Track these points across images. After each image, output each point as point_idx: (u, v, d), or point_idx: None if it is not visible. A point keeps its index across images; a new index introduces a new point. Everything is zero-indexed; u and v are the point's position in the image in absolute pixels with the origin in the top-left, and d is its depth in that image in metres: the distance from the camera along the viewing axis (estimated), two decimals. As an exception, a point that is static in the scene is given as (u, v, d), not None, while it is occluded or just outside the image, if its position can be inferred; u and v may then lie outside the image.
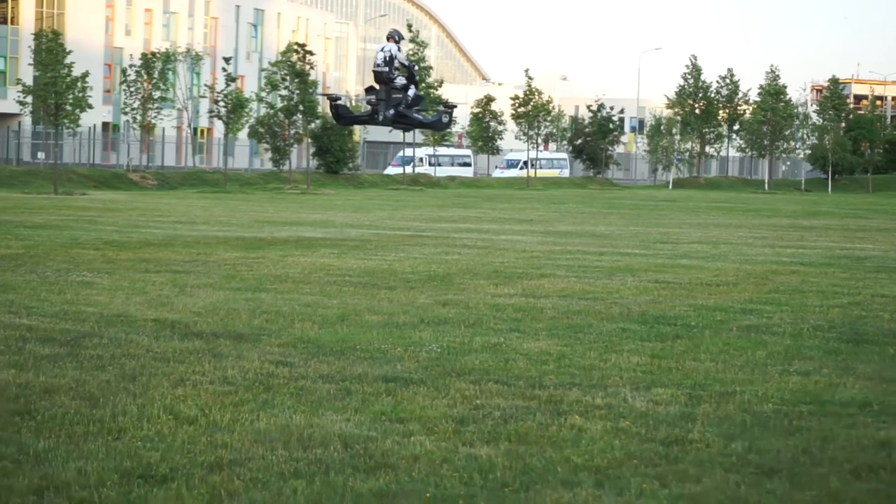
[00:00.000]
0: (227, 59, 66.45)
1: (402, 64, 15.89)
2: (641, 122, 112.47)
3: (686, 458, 7.82)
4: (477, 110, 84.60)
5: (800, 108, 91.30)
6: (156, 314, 13.57)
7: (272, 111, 67.57)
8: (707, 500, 6.98)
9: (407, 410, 8.92)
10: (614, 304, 15.45)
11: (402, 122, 16.35)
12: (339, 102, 16.97)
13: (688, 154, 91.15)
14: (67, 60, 54.75)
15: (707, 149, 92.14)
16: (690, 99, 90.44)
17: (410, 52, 68.14)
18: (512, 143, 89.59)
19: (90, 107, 55.75)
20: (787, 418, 9.00)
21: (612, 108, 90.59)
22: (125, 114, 67.72)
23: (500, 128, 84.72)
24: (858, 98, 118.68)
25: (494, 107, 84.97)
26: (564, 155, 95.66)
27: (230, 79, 64.48)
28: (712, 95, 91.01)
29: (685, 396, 9.69)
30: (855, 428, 8.75)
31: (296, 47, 67.11)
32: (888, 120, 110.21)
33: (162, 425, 8.29)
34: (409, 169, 76.47)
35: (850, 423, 8.89)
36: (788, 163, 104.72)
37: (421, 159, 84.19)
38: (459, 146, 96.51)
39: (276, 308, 14.33)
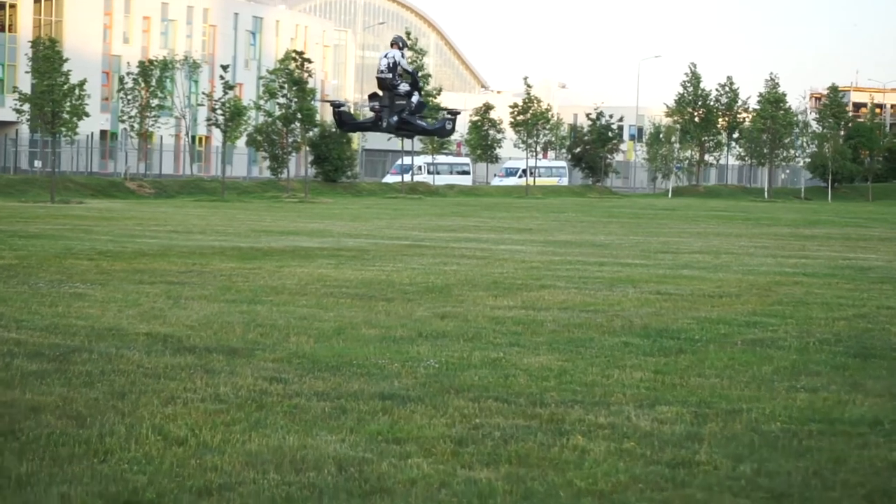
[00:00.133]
0: (224, 67, 66.24)
1: (405, 70, 15.72)
2: (640, 131, 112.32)
3: (693, 481, 7.54)
4: (476, 118, 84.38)
5: (799, 116, 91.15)
6: (148, 328, 13.29)
7: (270, 119, 67.35)
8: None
9: (404, 430, 8.63)
10: (616, 316, 15.18)
11: (406, 128, 16.20)
12: (342, 109, 16.78)
13: (687, 162, 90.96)
14: (64, 68, 54.53)
15: (706, 157, 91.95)
16: (690, 107, 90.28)
17: (409, 60, 67.94)
18: (511, 151, 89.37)
19: (87, 115, 55.52)
20: (797, 438, 8.72)
21: (611, 117, 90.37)
22: (122, 122, 67.48)
23: (499, 136, 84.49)
24: (857, 106, 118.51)
25: (493, 115, 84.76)
26: (563, 163, 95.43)
27: (228, 87, 64.26)
28: (711, 103, 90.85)
29: (691, 415, 9.41)
30: (867, 448, 8.48)
31: (294, 55, 66.89)
32: (887, 128, 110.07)
33: (150, 446, 8.01)
34: (407, 177, 76.23)
35: (862, 444, 8.61)
36: (788, 171, 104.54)
37: (419, 167, 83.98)
38: (458, 154, 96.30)
39: (272, 321, 14.05)
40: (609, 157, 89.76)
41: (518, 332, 13.68)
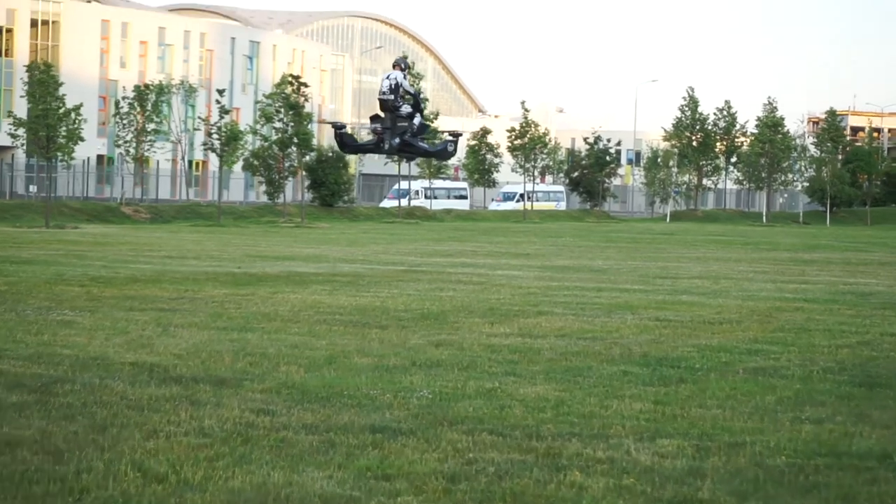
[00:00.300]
0: (220, 92, 66.04)
1: (407, 92, 15.51)
2: (638, 155, 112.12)
3: (696, 520, 7.21)
4: (473, 143, 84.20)
5: (797, 140, 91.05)
6: (135, 357, 12.95)
7: (266, 144, 67.12)
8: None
9: (394, 466, 8.30)
10: (614, 344, 14.85)
11: (408, 150, 15.99)
12: (343, 131, 16.54)
13: (685, 186, 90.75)
14: (61, 93, 54.33)
15: (704, 181, 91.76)
16: (687, 131, 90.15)
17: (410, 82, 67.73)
18: (508, 175, 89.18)
19: (82, 139, 55.25)
20: (803, 473, 8.39)
21: (608, 141, 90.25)
22: (118, 146, 67.23)
23: (497, 160, 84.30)
24: (855, 130, 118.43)
25: (490, 139, 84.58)
26: (561, 187, 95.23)
27: (224, 111, 64.07)
28: (709, 127, 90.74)
29: (692, 448, 9.08)
30: (876, 484, 8.15)
31: (290, 79, 66.71)
32: (885, 152, 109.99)
33: (128, 484, 7.67)
34: (404, 202, 75.96)
35: (871, 479, 8.28)
36: (786, 195, 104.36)
37: (417, 192, 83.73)
38: (456, 179, 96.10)
39: (262, 349, 13.72)
40: (607, 181, 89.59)
41: (514, 360, 13.35)
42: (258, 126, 68.36)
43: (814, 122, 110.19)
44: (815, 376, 12.57)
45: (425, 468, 8.25)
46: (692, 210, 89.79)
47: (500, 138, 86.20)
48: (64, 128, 53.77)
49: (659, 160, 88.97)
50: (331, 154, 72.40)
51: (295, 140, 65.61)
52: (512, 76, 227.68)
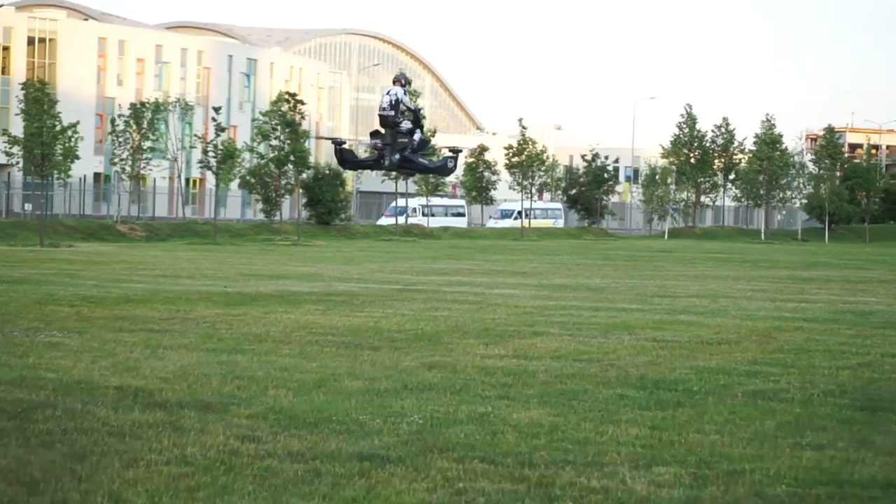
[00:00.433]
0: (216, 109, 65.84)
1: (407, 108, 15.37)
2: (636, 172, 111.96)
3: (693, 555, 6.93)
4: (471, 160, 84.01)
5: (796, 157, 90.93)
6: (120, 380, 12.67)
7: (263, 161, 66.90)
8: None
9: (381, 496, 8.02)
10: (610, 366, 14.58)
11: (408, 166, 15.86)
12: (343, 147, 16.36)
13: (683, 204, 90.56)
14: (58, 110, 54.15)
15: (702, 198, 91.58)
16: (685, 148, 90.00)
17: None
18: (506, 193, 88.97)
19: (77, 157, 55.01)
20: (804, 503, 8.11)
21: (606, 158, 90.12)
22: (114, 164, 67.01)
23: (494, 178, 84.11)
24: (853, 147, 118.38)
25: (488, 156, 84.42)
26: (559, 205, 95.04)
27: (220, 129, 63.87)
28: (707, 145, 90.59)
29: (690, 476, 8.80)
30: (880, 515, 7.87)
31: (286, 96, 66.52)
32: (883, 169, 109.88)
33: (104, 517, 7.39)
34: (402, 220, 75.73)
35: (874, 509, 8.01)
36: (784, 212, 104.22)
37: (414, 209, 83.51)
38: (453, 196, 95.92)
39: (251, 372, 13.43)
40: (605, 198, 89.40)
41: (508, 383, 13.08)
42: (255, 144, 68.12)
43: (812, 139, 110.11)
44: (815, 399, 12.30)
45: (413, 499, 7.98)
46: (690, 227, 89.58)
47: (497, 156, 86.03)
48: (60, 146, 53.56)
49: (657, 177, 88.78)
50: (328, 171, 72.20)
51: (291, 158, 65.39)
52: (510, 93, 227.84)
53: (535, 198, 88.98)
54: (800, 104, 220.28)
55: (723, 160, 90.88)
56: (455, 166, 17.09)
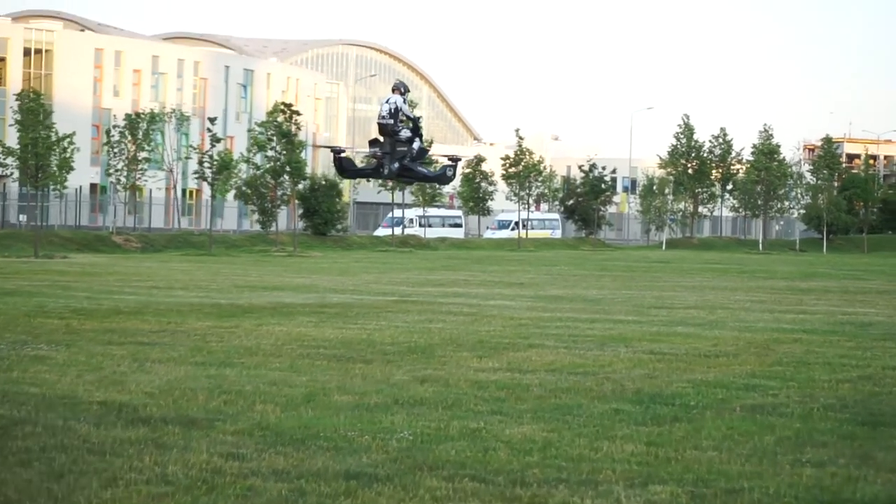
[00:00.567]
0: (212, 120, 65.60)
1: (406, 116, 15.21)
2: (634, 182, 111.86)
3: (690, 580, 6.66)
4: (468, 171, 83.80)
5: (793, 168, 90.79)
6: (104, 395, 12.39)
7: (258, 172, 66.65)
8: None
9: (367, 518, 7.75)
10: (606, 379, 14.31)
11: (407, 175, 15.76)
12: (342, 155, 16.16)
13: (681, 214, 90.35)
14: (54, 121, 53.92)
15: (700, 209, 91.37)
16: (683, 158, 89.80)
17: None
18: (503, 203, 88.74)
19: (72, 168, 54.74)
20: (805, 523, 7.85)
21: (604, 168, 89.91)
22: (109, 175, 66.75)
23: (491, 188, 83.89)
24: (851, 157, 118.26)
25: (485, 167, 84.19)
26: (556, 215, 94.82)
27: (215, 139, 63.65)
28: (705, 155, 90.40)
29: (687, 495, 8.54)
30: (883, 536, 7.60)
31: (282, 107, 66.29)
32: (881, 179, 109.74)
33: (78, 540, 7.11)
34: (398, 230, 75.46)
35: (877, 530, 7.74)
36: (782, 223, 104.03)
37: (411, 220, 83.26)
38: (450, 207, 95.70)
39: (239, 387, 13.16)
40: (602, 209, 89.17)
41: (501, 397, 12.80)
42: (251, 154, 67.88)
43: (810, 150, 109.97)
44: (815, 414, 12.03)
45: (400, 520, 7.70)
46: (688, 238, 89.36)
47: (494, 166, 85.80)
48: (55, 157, 53.31)
49: (654, 188, 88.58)
50: (324, 182, 71.95)
51: (287, 168, 65.13)
52: (507, 104, 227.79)
53: (533, 208, 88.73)
54: (797, 114, 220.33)
55: (720, 170, 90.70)
56: (454, 175, 16.99)
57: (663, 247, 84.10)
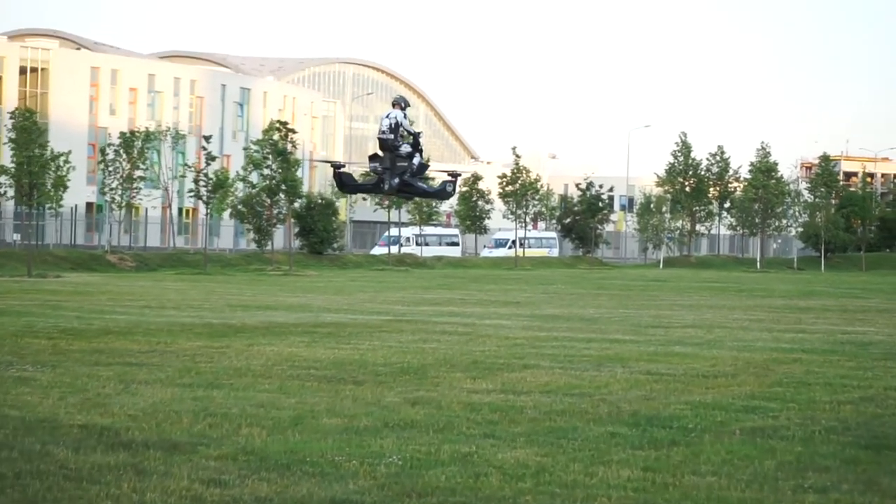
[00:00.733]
0: (207, 138, 65.33)
1: (407, 131, 15.05)
2: (631, 201, 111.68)
3: None
4: (465, 189, 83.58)
5: (791, 186, 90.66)
6: (86, 418, 12.05)
7: (254, 190, 66.38)
8: None
9: (351, 548, 7.42)
10: (602, 401, 13.97)
11: (407, 190, 15.56)
12: (342, 171, 15.93)
13: (678, 232, 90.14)
14: (50, 140, 53.66)
15: (698, 227, 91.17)
16: (680, 177, 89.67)
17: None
18: (500, 222, 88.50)
19: (66, 187, 54.43)
20: (808, 554, 7.52)
21: (601, 187, 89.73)
22: (104, 194, 66.45)
23: (488, 207, 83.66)
24: (849, 175, 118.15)
25: (482, 185, 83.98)
26: (553, 234, 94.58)
27: (210, 157, 63.38)
28: (702, 173, 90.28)
29: (685, 524, 8.21)
30: (890, 568, 7.28)
31: (277, 125, 66.05)
32: (879, 197, 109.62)
33: (47, 573, 6.78)
34: (395, 249, 75.16)
35: (884, 561, 7.41)
36: (780, 241, 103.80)
37: (408, 239, 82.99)
38: (447, 225, 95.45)
39: (225, 409, 12.82)
40: (599, 227, 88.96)
41: (494, 420, 12.47)
42: (247, 173, 67.61)
43: (807, 168, 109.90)
44: (817, 437, 11.71)
45: (385, 551, 7.37)
46: (685, 256, 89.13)
47: (491, 184, 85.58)
48: (49, 175, 53.00)
49: (652, 206, 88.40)
50: (320, 201, 71.68)
51: (283, 187, 64.87)
52: (504, 122, 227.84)
53: (530, 227, 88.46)
54: (795, 132, 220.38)
55: (718, 188, 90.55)
56: (454, 191, 16.83)
57: (661, 265, 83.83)
